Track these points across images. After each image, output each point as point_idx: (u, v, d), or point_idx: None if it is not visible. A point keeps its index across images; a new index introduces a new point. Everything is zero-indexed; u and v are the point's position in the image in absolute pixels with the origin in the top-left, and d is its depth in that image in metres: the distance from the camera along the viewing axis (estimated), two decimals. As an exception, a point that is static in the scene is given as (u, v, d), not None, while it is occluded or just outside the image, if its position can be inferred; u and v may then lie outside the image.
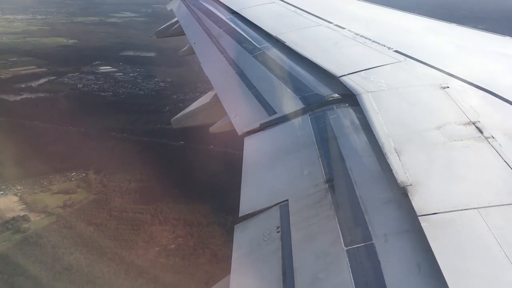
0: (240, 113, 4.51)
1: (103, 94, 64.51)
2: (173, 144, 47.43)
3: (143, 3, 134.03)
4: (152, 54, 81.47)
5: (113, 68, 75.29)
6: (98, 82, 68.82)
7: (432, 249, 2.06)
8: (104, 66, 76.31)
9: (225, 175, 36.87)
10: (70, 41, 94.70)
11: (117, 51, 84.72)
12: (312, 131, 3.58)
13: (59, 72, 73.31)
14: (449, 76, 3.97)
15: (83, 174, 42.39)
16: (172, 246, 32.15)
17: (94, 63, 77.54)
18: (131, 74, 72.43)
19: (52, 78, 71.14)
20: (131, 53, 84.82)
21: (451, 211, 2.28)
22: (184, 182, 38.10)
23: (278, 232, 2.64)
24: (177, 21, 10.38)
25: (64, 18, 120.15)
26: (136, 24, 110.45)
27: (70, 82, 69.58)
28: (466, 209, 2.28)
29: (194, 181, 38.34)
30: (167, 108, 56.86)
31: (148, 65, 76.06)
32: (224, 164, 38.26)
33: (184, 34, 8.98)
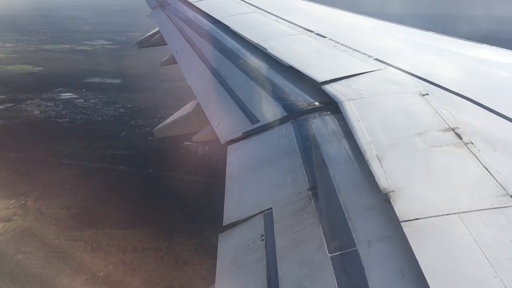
0: (223, 122, 4.50)
1: (59, 120, 62.81)
2: (119, 169, 46.80)
3: (117, 31, 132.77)
4: (117, 81, 79.82)
5: (74, 94, 73.47)
6: (56, 109, 67.06)
7: (415, 254, 2.08)
8: (66, 93, 74.35)
9: (168, 198, 36.78)
10: (35, 68, 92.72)
11: (82, 78, 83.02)
12: (295, 138, 3.59)
13: (18, 99, 71.12)
14: (428, 84, 4.04)
15: (22, 202, 40.91)
16: (101, 274, 30.81)
17: (56, 90, 75.51)
18: (92, 101, 70.62)
19: (9, 105, 68.79)
20: (96, 79, 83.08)
21: (433, 217, 2.30)
22: (125, 207, 37.15)
23: (262, 240, 2.63)
24: (158, 31, 10.36)
25: (34, 46, 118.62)
26: (106, 51, 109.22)
27: (28, 109, 67.34)
28: (448, 214, 2.31)
29: (136, 205, 37.72)
30: (123, 133, 56.03)
31: (111, 92, 74.29)
32: (167, 188, 38.31)
33: (166, 44, 8.96)
